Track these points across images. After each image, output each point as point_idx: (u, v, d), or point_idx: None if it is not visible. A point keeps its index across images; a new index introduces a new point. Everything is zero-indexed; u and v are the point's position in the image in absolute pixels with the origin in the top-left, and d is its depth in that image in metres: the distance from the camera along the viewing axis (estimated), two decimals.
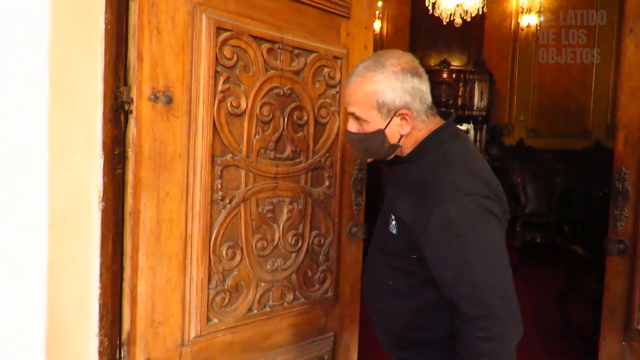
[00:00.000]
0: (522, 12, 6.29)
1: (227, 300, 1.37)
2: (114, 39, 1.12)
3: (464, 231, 0.97)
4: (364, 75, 1.07)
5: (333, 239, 1.65)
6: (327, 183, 1.61)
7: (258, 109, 1.37)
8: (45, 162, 1.01)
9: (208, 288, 1.32)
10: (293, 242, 1.52)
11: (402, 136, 1.11)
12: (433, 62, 6.37)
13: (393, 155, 1.17)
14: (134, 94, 1.15)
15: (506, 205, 1.09)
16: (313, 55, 1.50)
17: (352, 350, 1.82)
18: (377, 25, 6.26)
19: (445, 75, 6.19)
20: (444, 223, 0.98)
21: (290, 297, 1.54)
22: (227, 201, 1.34)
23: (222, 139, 1.31)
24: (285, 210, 1.49)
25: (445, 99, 5.99)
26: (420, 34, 6.04)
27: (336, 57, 1.57)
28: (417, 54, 6.44)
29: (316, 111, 1.54)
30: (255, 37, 1.34)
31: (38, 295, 1.02)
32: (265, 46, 1.38)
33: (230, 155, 1.33)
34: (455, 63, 6.35)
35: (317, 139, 1.56)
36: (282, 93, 1.43)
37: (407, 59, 1.08)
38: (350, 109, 1.12)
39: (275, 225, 1.47)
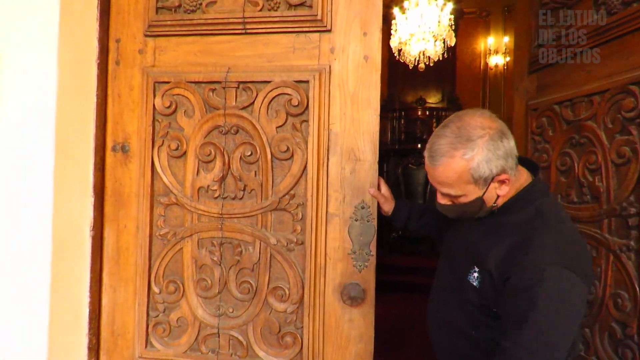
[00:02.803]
0: (490, 53, 6.71)
1: (167, 331, 1.44)
2: (102, 108, 1.52)
3: (550, 303, 0.94)
4: (452, 156, 1.01)
5: (304, 298, 1.34)
6: (294, 228, 1.36)
7: (199, 150, 1.40)
8: (50, 200, 1.45)
9: (147, 315, 1.44)
10: (245, 290, 1.38)
11: (499, 196, 1.08)
12: (410, 99, 6.65)
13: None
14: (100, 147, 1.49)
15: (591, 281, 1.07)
16: (266, 85, 1.36)
17: None
18: None
19: (419, 113, 6.45)
20: (533, 281, 0.95)
21: (242, 351, 1.39)
22: (169, 237, 1.43)
23: (163, 179, 1.43)
24: (232, 254, 1.39)
25: (420, 134, 6.18)
26: (398, 73, 6.12)
27: (299, 82, 1.34)
28: (395, 92, 6.61)
29: (272, 146, 1.36)
30: (195, 82, 1.41)
31: (42, 302, 1.35)
32: (207, 88, 1.40)
33: (173, 195, 1.43)
34: (431, 100, 6.68)
35: (276, 177, 1.37)
36: (225, 131, 1.39)
37: (491, 121, 1.03)
38: (443, 190, 1.08)
39: (221, 267, 1.40)
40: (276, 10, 1.38)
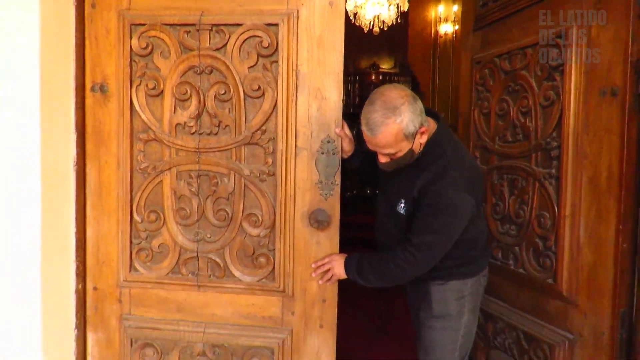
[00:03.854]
0: (440, 21, 7.01)
1: (150, 257, 1.57)
2: (81, 50, 1.57)
3: (449, 209, 1.33)
4: (386, 124, 1.27)
5: (276, 222, 1.51)
6: (265, 160, 1.51)
7: (175, 89, 1.51)
8: (37, 137, 1.46)
9: (131, 243, 1.57)
10: (221, 217, 1.53)
11: (421, 144, 1.37)
12: (364, 64, 6.88)
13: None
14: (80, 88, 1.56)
15: (481, 191, 1.52)
16: (238, 28, 1.48)
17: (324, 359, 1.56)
18: None
19: (373, 77, 6.64)
20: (439, 201, 1.32)
21: (220, 272, 1.55)
22: (149, 171, 1.55)
23: (142, 117, 1.53)
24: (209, 185, 1.53)
25: None
26: (353, 39, 5.81)
27: (269, 25, 1.46)
28: (350, 58, 6.48)
29: (244, 85, 1.49)
30: (170, 25, 1.50)
31: (33, 230, 1.44)
32: (182, 30, 1.50)
33: (151, 131, 1.53)
34: (384, 66, 6.95)
35: (249, 114, 1.50)
36: (200, 71, 1.50)
37: (404, 90, 1.32)
38: (385, 152, 1.34)
39: (198, 197, 1.54)
40: None
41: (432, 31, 7.21)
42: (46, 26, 1.41)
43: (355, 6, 5.21)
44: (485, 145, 1.88)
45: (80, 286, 1.59)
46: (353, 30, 6.69)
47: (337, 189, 1.51)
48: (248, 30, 1.47)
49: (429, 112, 1.40)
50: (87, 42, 1.55)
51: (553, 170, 1.54)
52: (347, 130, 1.52)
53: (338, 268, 1.47)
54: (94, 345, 1.65)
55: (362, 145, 1.63)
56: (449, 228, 1.34)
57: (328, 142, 1.49)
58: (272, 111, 1.49)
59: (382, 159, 1.37)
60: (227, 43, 1.49)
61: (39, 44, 1.39)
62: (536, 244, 1.61)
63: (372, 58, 7.03)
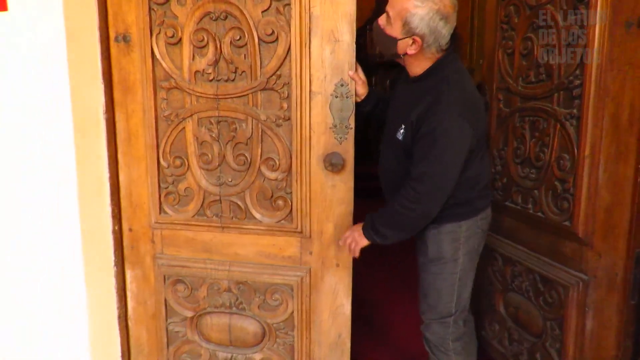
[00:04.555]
0: None
1: (177, 200, 1.68)
2: (103, 2, 1.62)
3: (446, 136, 1.29)
4: (412, 1, 1.28)
5: (293, 166, 1.56)
6: (281, 105, 1.54)
7: (192, 36, 1.55)
8: (67, 87, 1.54)
9: (159, 187, 1.67)
10: (240, 162, 1.60)
11: (407, 53, 1.38)
12: None
13: (395, 60, 1.46)
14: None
15: (483, 124, 1.48)
16: None
17: (343, 297, 1.65)
18: None
19: None
20: (436, 127, 1.29)
21: (241, 214, 1.63)
22: (172, 118, 1.62)
23: (163, 65, 1.59)
24: (228, 130, 1.59)
25: None
26: None
27: None
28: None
29: (258, 30, 1.50)
30: None
31: (69, 176, 1.57)
32: None
33: (172, 79, 1.59)
34: None
35: (264, 59, 1.53)
36: (215, 17, 1.52)
37: (449, 2, 1.30)
38: (388, 8, 1.36)
39: (219, 143, 1.60)
40: None
41: None
42: None
43: None
44: (508, 86, 1.83)
45: (116, 227, 1.72)
46: None
47: (351, 132, 1.53)
48: None
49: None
50: None
51: (574, 110, 1.49)
52: (360, 74, 1.52)
53: (359, 237, 1.48)
54: (132, 281, 1.80)
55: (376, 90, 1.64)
56: (445, 155, 1.31)
57: (342, 85, 1.50)
58: (286, 55, 1.51)
59: (380, 18, 1.40)
60: None
61: (62, 2, 1.45)
62: (555, 187, 1.59)
63: None
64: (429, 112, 1.31)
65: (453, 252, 1.48)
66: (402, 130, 1.41)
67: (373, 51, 6.44)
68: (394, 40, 1.37)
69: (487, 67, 2.01)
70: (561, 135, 1.56)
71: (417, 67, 1.43)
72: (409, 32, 1.32)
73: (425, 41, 1.33)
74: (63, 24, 1.47)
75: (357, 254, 1.52)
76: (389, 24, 1.37)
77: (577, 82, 1.48)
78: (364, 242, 1.49)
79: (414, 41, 1.33)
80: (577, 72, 1.48)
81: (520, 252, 1.81)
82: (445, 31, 1.32)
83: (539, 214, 1.68)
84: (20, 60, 1.50)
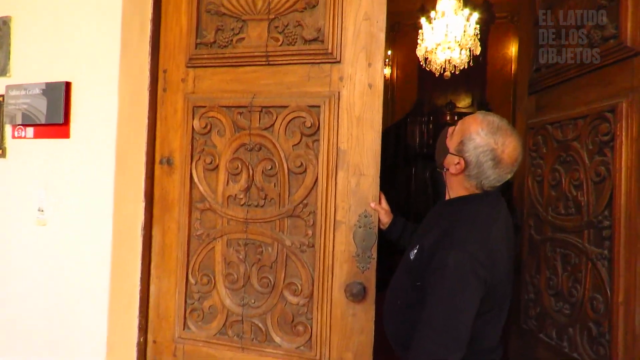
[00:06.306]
0: None
1: (201, 317, 1.71)
2: (152, 128, 1.81)
3: (449, 279, 1.15)
4: (480, 122, 1.27)
5: (315, 292, 1.58)
6: (306, 232, 1.59)
7: (228, 164, 1.67)
8: (111, 204, 1.73)
9: (185, 302, 1.72)
10: (264, 284, 1.63)
11: (449, 170, 1.34)
12: (440, 102, 6.84)
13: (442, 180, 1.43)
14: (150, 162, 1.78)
15: (502, 276, 1.24)
16: (284, 110, 1.61)
17: None
18: (387, 71, 6.79)
19: (448, 117, 6.56)
20: (442, 264, 1.16)
21: (261, 336, 1.64)
22: (204, 237, 1.70)
23: (199, 188, 1.71)
24: (254, 253, 1.64)
25: None
26: (429, 76, 6.14)
27: (312, 106, 1.58)
28: (425, 95, 6.84)
29: (289, 162, 1.60)
30: (226, 107, 1.67)
31: (103, 289, 1.67)
32: (236, 111, 1.66)
33: (207, 201, 1.70)
34: (461, 104, 6.88)
35: (292, 188, 1.61)
36: (250, 148, 1.64)
37: (514, 151, 1.26)
38: (459, 122, 1.35)
39: (245, 264, 1.65)
40: (294, 45, 1.62)
41: (513, 68, 6.96)
42: (123, 112, 1.65)
43: (426, 51, 5.26)
44: (538, 214, 1.81)
45: (142, 339, 1.77)
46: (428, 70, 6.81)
47: (374, 262, 1.54)
48: (293, 111, 1.60)
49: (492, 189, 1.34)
50: (158, 121, 1.78)
51: (605, 252, 1.45)
52: (384, 204, 1.57)
53: None
54: None
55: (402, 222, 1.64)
56: (453, 297, 1.15)
57: (365, 216, 1.55)
58: (313, 186, 1.58)
59: (450, 127, 1.38)
60: (274, 123, 1.62)
61: (116, 124, 1.63)
62: (590, 329, 1.50)
63: (448, 95, 6.98)
64: (441, 244, 1.22)
65: None
66: (415, 251, 1.33)
67: (413, 142, 6.60)
68: (446, 151, 1.34)
69: (517, 188, 2.01)
70: (593, 275, 1.50)
71: (452, 191, 1.38)
72: (460, 152, 1.29)
73: (467, 168, 1.29)
74: (114, 151, 1.63)
75: None
76: (452, 136, 1.35)
77: (607, 222, 1.45)
78: None
79: (459, 162, 1.30)
80: (606, 212, 1.45)
81: None
82: (491, 173, 1.27)
83: (575, 354, 1.57)
84: (70, 180, 1.67)
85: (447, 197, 1.43)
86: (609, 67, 1.47)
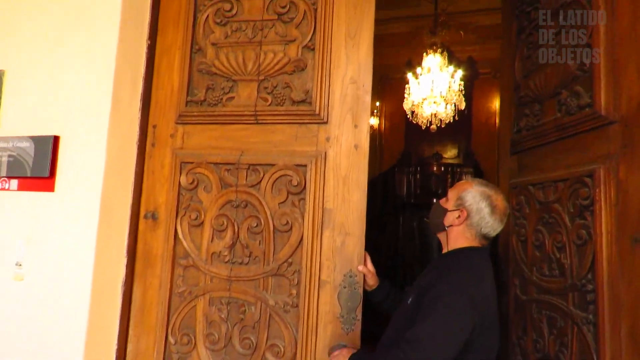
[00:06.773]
0: None
1: None
2: (139, 181, 1.81)
3: (447, 307, 1.25)
4: (471, 181, 1.48)
5: (298, 355, 1.53)
6: (290, 292, 1.57)
7: (214, 220, 1.66)
8: (92, 259, 1.71)
9: None
10: (246, 345, 1.58)
11: (452, 225, 1.46)
12: (427, 153, 6.98)
13: (439, 236, 1.54)
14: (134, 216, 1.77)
15: (491, 323, 1.34)
16: (271, 168, 1.63)
17: None
18: (375, 121, 7.08)
19: (435, 168, 6.59)
20: (438, 294, 1.27)
21: None
22: (185, 295, 1.67)
23: (184, 244, 1.69)
24: (237, 312, 1.61)
25: (435, 189, 6.34)
26: (416, 128, 6.20)
27: (299, 165, 1.60)
28: (412, 146, 7.00)
29: (274, 220, 1.60)
30: (214, 163, 1.69)
31: (79, 346, 1.59)
32: (223, 168, 1.68)
33: (191, 258, 1.68)
34: (447, 155, 7.02)
35: (277, 246, 1.60)
36: (236, 205, 1.64)
37: (504, 201, 1.46)
38: (449, 191, 1.52)
39: (227, 323, 1.61)
40: (282, 105, 1.66)
41: (497, 121, 7.25)
42: (110, 166, 1.65)
43: (413, 105, 5.42)
44: (523, 274, 1.81)
45: None
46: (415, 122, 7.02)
47: (358, 324, 1.52)
48: (280, 170, 1.62)
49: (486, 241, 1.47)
50: (145, 175, 1.78)
51: (590, 316, 1.44)
52: (370, 266, 1.56)
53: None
54: None
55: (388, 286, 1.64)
56: (442, 326, 1.23)
57: (350, 276, 1.53)
58: (299, 245, 1.58)
59: (440, 200, 1.53)
60: (261, 181, 1.64)
61: (102, 179, 1.62)
62: None
63: (435, 147, 7.16)
64: (436, 281, 1.32)
65: None
66: (411, 298, 1.40)
67: (401, 192, 6.66)
68: (445, 211, 1.47)
69: (502, 246, 2.03)
70: (579, 339, 1.49)
71: (452, 242, 1.47)
72: (459, 205, 1.44)
73: (470, 217, 1.42)
74: (99, 205, 1.62)
75: None
76: (447, 200, 1.50)
77: (590, 286, 1.45)
78: None
79: (461, 213, 1.43)
80: (589, 276, 1.46)
81: None
82: (490, 219, 1.42)
83: None
84: (52, 233, 1.64)
85: (443, 251, 1.52)
86: (585, 134, 1.53)
